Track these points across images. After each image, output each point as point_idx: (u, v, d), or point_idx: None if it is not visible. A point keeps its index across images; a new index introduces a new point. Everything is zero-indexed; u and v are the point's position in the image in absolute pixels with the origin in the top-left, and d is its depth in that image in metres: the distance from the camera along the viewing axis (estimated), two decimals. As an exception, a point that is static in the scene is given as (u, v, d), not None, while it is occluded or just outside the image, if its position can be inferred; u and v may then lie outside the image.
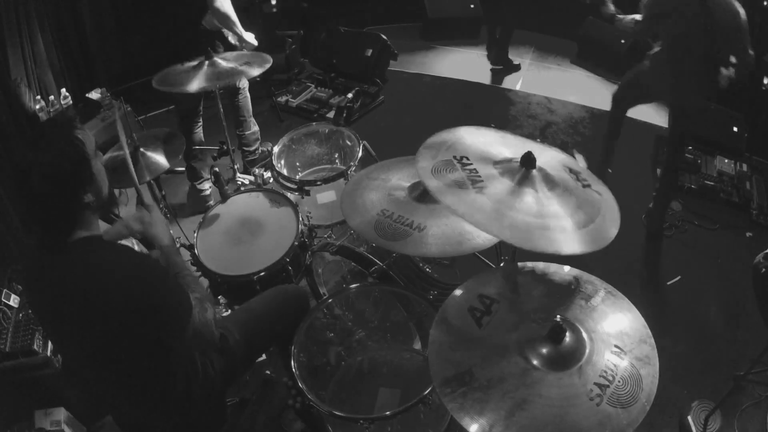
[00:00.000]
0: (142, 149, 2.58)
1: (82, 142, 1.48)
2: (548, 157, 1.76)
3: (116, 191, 3.53)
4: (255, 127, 3.93)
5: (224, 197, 2.77)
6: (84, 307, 1.45)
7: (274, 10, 5.01)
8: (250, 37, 3.48)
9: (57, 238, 1.48)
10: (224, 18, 3.29)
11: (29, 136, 1.50)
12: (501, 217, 1.52)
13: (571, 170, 1.74)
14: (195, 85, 2.76)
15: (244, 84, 3.74)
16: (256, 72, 2.83)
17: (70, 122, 1.55)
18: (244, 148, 3.94)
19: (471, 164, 1.67)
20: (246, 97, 3.79)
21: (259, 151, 3.99)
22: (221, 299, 2.62)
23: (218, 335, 1.72)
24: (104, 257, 1.50)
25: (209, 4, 3.21)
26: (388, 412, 1.82)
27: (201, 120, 3.71)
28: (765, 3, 3.88)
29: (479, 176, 1.63)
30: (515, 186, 1.61)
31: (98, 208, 1.55)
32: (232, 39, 3.45)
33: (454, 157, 1.69)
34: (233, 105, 3.78)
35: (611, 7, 3.39)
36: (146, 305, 1.46)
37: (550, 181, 1.65)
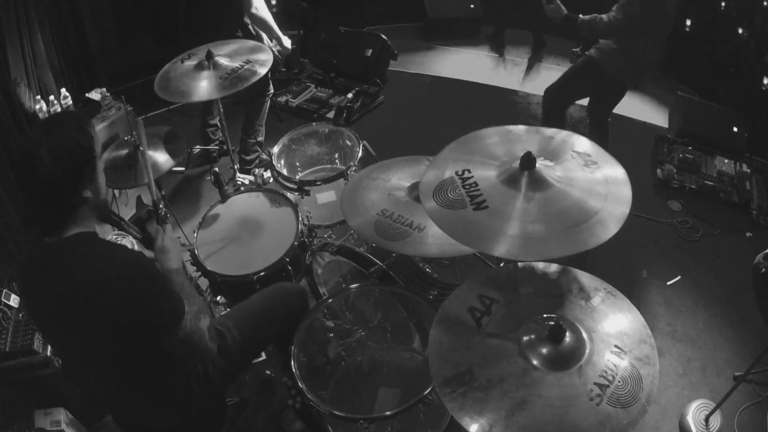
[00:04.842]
0: (142, 148, 2.57)
1: (91, 137, 1.52)
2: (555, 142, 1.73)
3: (116, 191, 3.52)
4: (261, 138, 3.84)
5: (224, 197, 2.77)
6: (78, 302, 1.45)
7: (274, 10, 5.00)
8: (288, 42, 3.52)
9: (52, 228, 1.49)
10: (262, 23, 3.33)
11: (42, 122, 1.52)
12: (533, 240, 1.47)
13: (578, 154, 1.70)
14: (202, 93, 2.68)
15: (270, 89, 3.72)
16: (263, 71, 2.77)
17: (82, 116, 1.59)
18: (242, 155, 3.83)
19: (471, 177, 1.64)
20: (266, 104, 3.74)
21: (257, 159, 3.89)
22: (221, 299, 2.62)
23: (213, 346, 1.71)
24: (98, 252, 1.50)
25: (245, 11, 3.24)
26: (388, 412, 1.82)
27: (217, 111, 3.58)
28: (765, 3, 3.89)
29: (479, 191, 1.59)
30: (524, 194, 1.56)
31: (95, 206, 1.57)
32: (266, 42, 3.42)
33: (456, 173, 1.66)
34: (252, 105, 3.70)
35: (563, 8, 3.22)
36: (137, 301, 1.46)
37: (559, 174, 1.62)
